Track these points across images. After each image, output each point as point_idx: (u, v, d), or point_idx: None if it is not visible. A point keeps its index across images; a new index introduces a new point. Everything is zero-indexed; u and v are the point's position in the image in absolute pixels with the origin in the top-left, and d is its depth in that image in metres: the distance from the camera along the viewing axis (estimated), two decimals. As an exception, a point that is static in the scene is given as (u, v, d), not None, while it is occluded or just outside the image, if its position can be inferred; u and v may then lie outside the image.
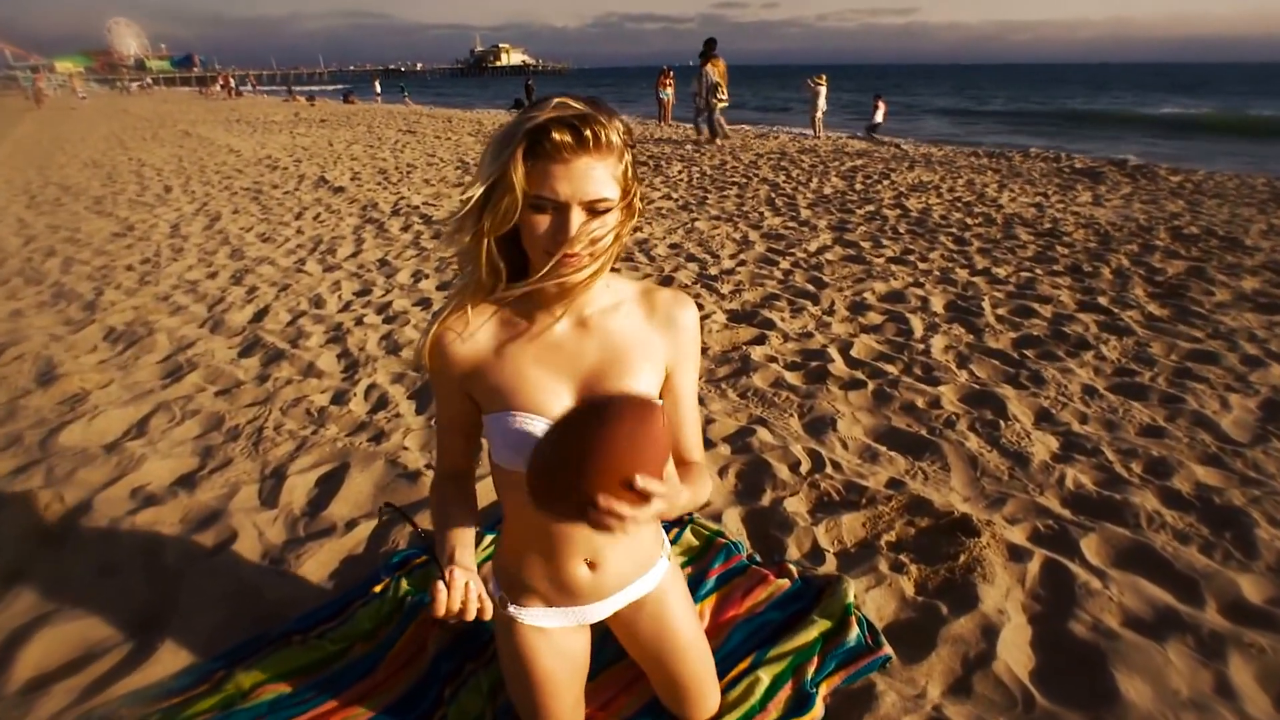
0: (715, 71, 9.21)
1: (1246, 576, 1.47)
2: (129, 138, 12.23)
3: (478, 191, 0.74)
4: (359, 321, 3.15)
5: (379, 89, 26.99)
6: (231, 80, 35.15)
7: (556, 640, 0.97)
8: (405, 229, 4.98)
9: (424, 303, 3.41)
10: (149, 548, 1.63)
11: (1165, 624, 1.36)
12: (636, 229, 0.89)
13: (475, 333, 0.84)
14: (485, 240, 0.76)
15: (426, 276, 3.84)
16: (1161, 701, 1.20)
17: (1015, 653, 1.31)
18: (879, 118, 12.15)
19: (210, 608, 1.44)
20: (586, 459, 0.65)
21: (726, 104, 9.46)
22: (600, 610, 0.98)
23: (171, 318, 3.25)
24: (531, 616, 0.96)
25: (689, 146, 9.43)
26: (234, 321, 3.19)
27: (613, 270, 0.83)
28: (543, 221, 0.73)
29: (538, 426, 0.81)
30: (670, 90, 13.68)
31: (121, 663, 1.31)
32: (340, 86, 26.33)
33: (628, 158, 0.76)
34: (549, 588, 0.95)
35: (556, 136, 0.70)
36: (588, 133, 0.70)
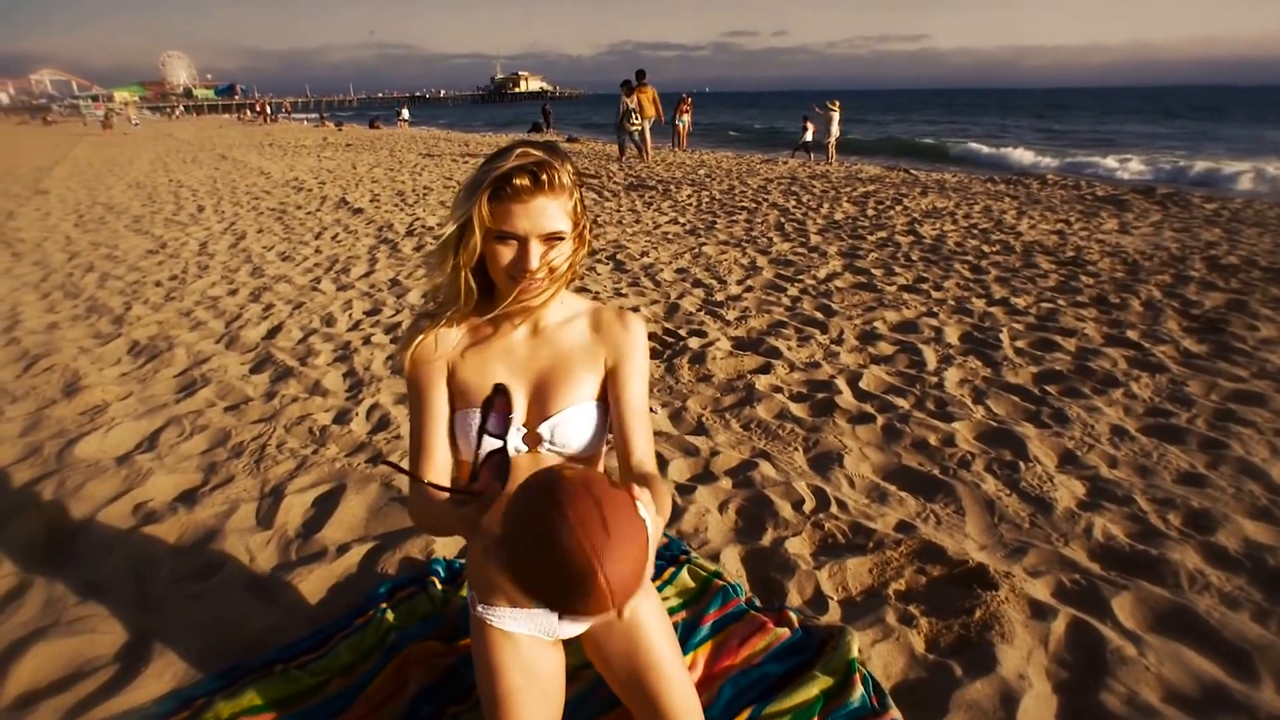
0: (631, 100, 10.57)
1: (1305, 649, 1.32)
2: (172, 161, 12.76)
3: (451, 230, 0.88)
4: (367, 340, 3.16)
5: (406, 115, 28.28)
6: (268, 107, 36.90)
7: (525, 653, 0.97)
8: (418, 249, 5.04)
9: (430, 324, 3.41)
10: (143, 567, 1.62)
11: (1214, 701, 1.21)
12: (589, 254, 1.07)
13: (449, 340, 0.97)
14: (461, 271, 0.90)
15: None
16: (1209, 793, 1.06)
17: (1040, 725, 1.18)
18: (809, 136, 12.81)
19: (196, 633, 1.41)
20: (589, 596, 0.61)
21: (638, 127, 10.82)
22: (571, 627, 1.00)
23: (191, 333, 3.31)
24: (498, 618, 0.98)
25: (619, 163, 10.71)
26: (249, 338, 3.23)
27: (577, 290, 0.90)
28: (507, 253, 0.87)
29: (501, 423, 0.91)
30: (687, 118, 13.93)
31: (108, 684, 1.30)
32: (374, 113, 27.77)
33: (577, 195, 0.90)
34: None
35: (517, 181, 0.84)
36: (543, 176, 0.84)
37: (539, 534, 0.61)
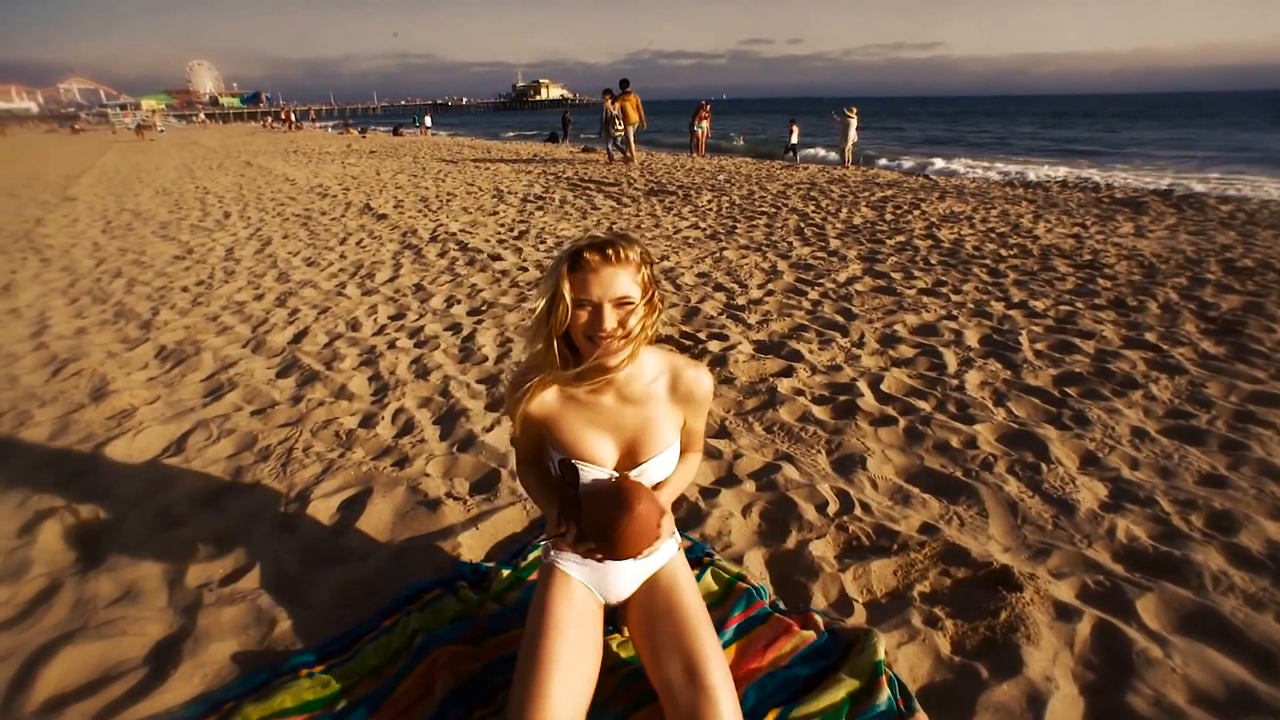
0: (614, 107, 11.29)
1: (1332, 650, 1.33)
2: (198, 168, 12.98)
3: (541, 304, 1.06)
4: (391, 345, 3.20)
5: (430, 122, 28.90)
6: (293, 115, 37.68)
7: (576, 593, 1.18)
8: (442, 255, 5.10)
9: (455, 327, 3.45)
10: (172, 570, 1.65)
11: (1241, 703, 1.22)
12: (661, 322, 1.21)
13: (546, 399, 1.16)
14: (553, 339, 1.07)
15: (459, 302, 3.90)
16: (1239, 794, 1.07)
17: (1067, 726, 1.19)
18: (794, 139, 13.46)
19: (223, 636, 1.43)
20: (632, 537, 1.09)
21: (621, 133, 11.54)
22: (619, 585, 1.22)
23: (218, 337, 3.37)
24: (564, 561, 1.22)
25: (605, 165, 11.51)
26: (275, 343, 3.28)
27: (648, 347, 1.15)
28: (584, 316, 1.04)
29: (591, 472, 1.16)
30: (706, 124, 14.08)
31: (136, 688, 1.31)
32: (400, 121, 28.33)
33: (645, 271, 1.06)
34: None
35: (588, 255, 1.02)
36: (610, 251, 1.02)
37: (610, 498, 1.09)
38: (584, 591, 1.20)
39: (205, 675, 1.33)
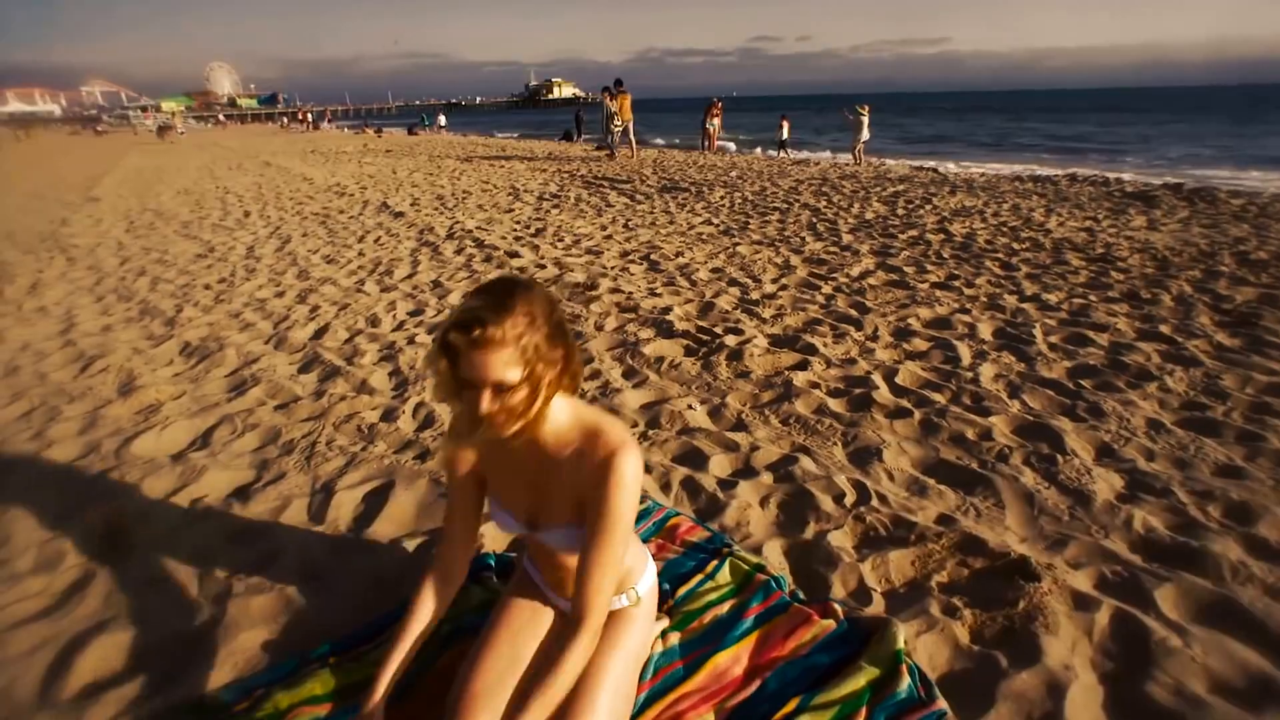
0: (614, 104, 11.92)
1: (1351, 640, 1.33)
2: (218, 168, 13.14)
3: (431, 381, 0.98)
4: (411, 340, 3.25)
5: (444, 121, 29.23)
6: (310, 115, 38.32)
7: (534, 605, 1.20)
8: (459, 252, 5.15)
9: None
10: (201, 560, 1.68)
11: (1262, 692, 1.23)
12: (575, 376, 1.01)
13: (473, 448, 1.09)
14: (452, 405, 0.99)
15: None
16: (1260, 779, 1.09)
17: (1086, 716, 1.21)
18: (785, 134, 13.84)
19: (254, 624, 1.46)
20: None
21: (621, 128, 12.18)
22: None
23: (241, 334, 3.43)
24: (531, 566, 1.24)
25: (597, 161, 11.99)
26: (296, 339, 3.33)
27: (573, 402, 1.03)
28: (466, 394, 0.91)
29: (507, 519, 1.11)
30: (717, 121, 14.27)
31: (169, 674, 1.35)
32: (414, 121, 28.74)
33: (533, 338, 0.89)
34: None
35: (452, 338, 0.87)
36: (475, 333, 0.86)
37: None
38: (543, 598, 1.22)
39: (236, 663, 1.36)
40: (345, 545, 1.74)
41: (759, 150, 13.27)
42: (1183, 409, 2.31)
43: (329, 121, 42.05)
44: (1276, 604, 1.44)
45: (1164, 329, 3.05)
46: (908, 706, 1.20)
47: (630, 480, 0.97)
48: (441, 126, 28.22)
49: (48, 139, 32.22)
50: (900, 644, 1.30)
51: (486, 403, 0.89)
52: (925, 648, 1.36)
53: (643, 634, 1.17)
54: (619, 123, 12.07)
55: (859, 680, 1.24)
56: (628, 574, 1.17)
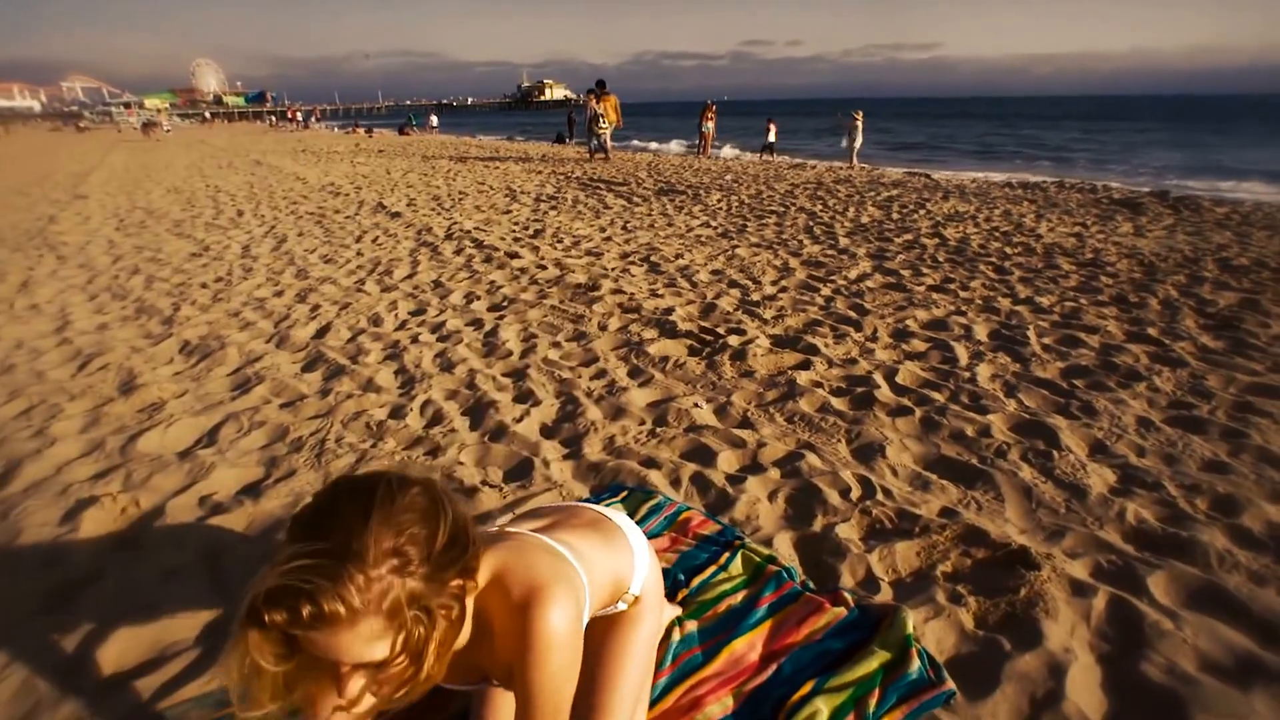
0: (599, 106, 11.97)
1: (1330, 622, 1.41)
2: (207, 166, 13.01)
3: (235, 675, 0.62)
4: (415, 340, 3.27)
5: (435, 121, 29.24)
6: (299, 114, 38.05)
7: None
8: (458, 252, 5.17)
9: (476, 323, 3.52)
10: (216, 554, 1.70)
11: (1248, 670, 1.31)
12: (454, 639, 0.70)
13: None
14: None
15: (478, 298, 3.97)
16: (1248, 751, 1.16)
17: (1086, 694, 1.27)
18: (771, 138, 14.09)
19: None
20: None
21: (608, 130, 12.25)
22: None
23: (241, 333, 3.42)
24: None
25: (585, 162, 12.15)
26: (298, 337, 3.34)
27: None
28: (313, 675, 0.63)
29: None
30: (712, 124, 14.40)
31: (191, 666, 1.36)
32: (404, 120, 28.72)
33: (399, 592, 0.60)
34: None
35: (268, 619, 0.58)
36: (306, 612, 0.57)
37: None
38: None
39: None
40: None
41: (778, 161, 13.41)
42: (1170, 408, 2.40)
43: (318, 120, 41.83)
44: (1260, 589, 1.52)
45: (1151, 331, 3.16)
46: (919, 687, 1.26)
47: (555, 640, 0.72)
48: (433, 127, 28.21)
49: (28, 135, 31.75)
50: (910, 629, 1.36)
51: (351, 688, 0.61)
52: (933, 633, 1.42)
53: (649, 624, 1.10)
54: (604, 125, 12.16)
55: (871, 663, 1.30)
56: (619, 583, 1.04)
